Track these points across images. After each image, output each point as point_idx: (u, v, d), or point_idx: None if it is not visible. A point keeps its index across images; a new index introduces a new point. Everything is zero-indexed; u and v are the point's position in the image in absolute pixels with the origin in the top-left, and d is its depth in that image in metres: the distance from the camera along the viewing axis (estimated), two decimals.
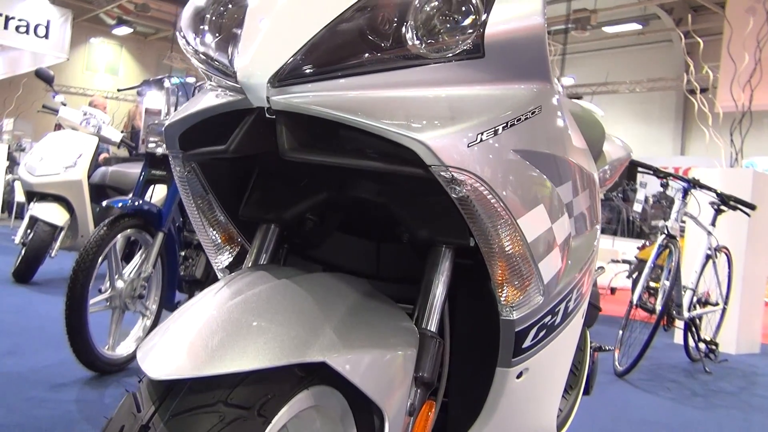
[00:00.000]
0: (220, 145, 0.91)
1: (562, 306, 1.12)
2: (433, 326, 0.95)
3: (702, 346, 4.49)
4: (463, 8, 0.84)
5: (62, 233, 5.04)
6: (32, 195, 5.10)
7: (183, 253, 3.31)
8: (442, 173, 0.82)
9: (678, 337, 4.89)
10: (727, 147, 5.94)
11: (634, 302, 3.92)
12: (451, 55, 0.84)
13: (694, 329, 4.46)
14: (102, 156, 6.08)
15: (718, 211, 4.31)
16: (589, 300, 2.01)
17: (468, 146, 0.82)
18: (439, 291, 0.97)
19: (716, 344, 4.49)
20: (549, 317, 1.08)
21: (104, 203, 2.68)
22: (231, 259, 1.17)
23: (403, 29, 0.83)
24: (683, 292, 4.37)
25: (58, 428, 2.11)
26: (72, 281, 2.54)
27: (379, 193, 1.00)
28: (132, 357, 2.82)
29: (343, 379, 0.78)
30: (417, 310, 0.96)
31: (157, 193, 3.29)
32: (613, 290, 10.16)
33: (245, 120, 0.87)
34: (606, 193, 2.07)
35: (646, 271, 4.01)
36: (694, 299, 4.52)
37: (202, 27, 0.93)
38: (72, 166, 5.04)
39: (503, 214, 0.90)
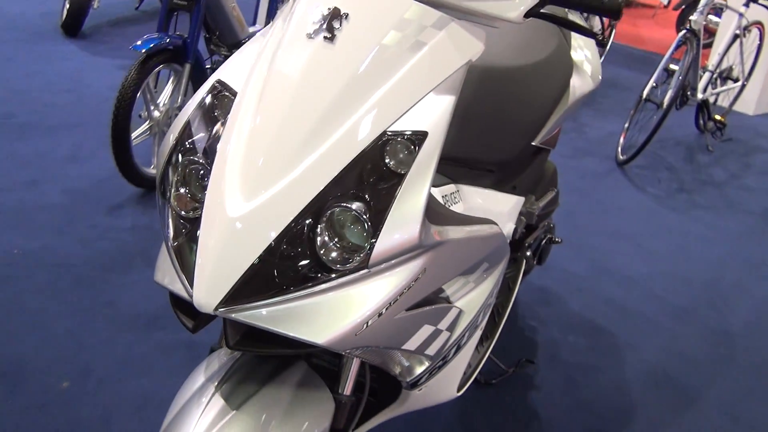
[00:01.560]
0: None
1: (454, 349, 1.45)
2: (348, 390, 1.31)
3: (711, 125, 4.69)
4: (355, 249, 1.08)
5: None
6: None
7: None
8: (340, 353, 1.15)
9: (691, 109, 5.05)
10: None
11: (643, 96, 4.08)
12: (342, 271, 1.09)
13: (705, 109, 4.63)
14: None
15: None
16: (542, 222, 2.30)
17: (356, 335, 1.10)
18: (356, 362, 1.30)
19: (724, 124, 4.68)
20: (441, 362, 1.43)
21: (131, 47, 2.90)
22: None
23: (305, 261, 1.08)
24: (701, 74, 4.46)
25: (118, 265, 2.67)
26: (114, 124, 2.91)
27: None
28: None
29: None
30: (339, 378, 1.31)
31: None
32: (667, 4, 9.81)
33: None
34: None
35: (660, 66, 4.08)
36: (714, 77, 4.61)
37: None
38: None
39: (391, 352, 1.23)
